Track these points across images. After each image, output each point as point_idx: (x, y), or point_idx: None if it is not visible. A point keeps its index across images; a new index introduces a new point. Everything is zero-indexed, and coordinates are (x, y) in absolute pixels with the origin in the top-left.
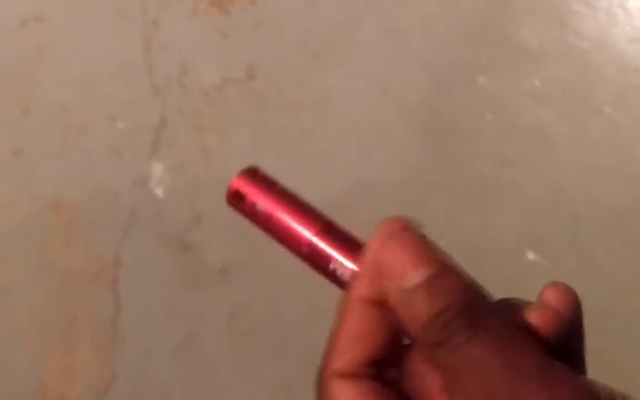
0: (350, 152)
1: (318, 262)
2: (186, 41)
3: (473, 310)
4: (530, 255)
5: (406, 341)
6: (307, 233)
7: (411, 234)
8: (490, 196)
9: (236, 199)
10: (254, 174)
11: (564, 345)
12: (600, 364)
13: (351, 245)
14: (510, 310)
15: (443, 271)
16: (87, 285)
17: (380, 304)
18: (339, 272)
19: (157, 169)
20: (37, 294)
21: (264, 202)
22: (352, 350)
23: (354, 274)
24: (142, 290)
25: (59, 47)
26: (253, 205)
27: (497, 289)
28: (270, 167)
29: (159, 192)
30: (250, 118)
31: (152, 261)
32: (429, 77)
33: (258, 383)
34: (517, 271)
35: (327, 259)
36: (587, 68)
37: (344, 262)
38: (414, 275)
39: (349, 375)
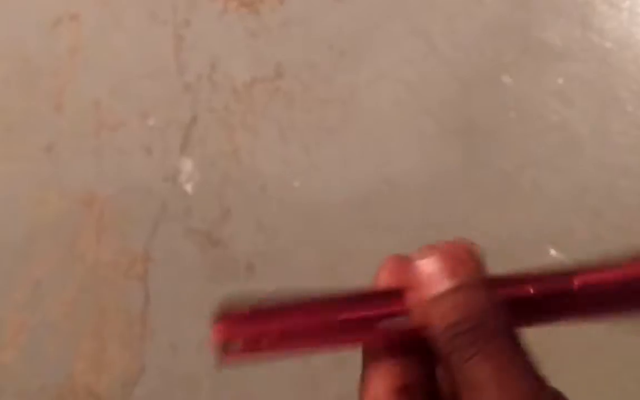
0: (376, 150)
1: (362, 331)
2: (216, 40)
3: (483, 330)
4: (553, 252)
5: None
6: (332, 316)
7: (451, 249)
8: (513, 194)
9: (230, 351)
10: (231, 315)
11: None
12: (621, 360)
13: (382, 296)
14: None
15: (467, 286)
16: (117, 278)
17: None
18: (392, 324)
19: (187, 165)
20: (68, 287)
21: (265, 334)
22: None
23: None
24: (171, 284)
25: (92, 46)
26: (255, 342)
27: None
28: (298, 164)
29: (189, 188)
30: (278, 116)
31: (181, 255)
32: (453, 77)
33: (283, 376)
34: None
35: (370, 321)
36: (610, 67)
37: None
38: (437, 287)
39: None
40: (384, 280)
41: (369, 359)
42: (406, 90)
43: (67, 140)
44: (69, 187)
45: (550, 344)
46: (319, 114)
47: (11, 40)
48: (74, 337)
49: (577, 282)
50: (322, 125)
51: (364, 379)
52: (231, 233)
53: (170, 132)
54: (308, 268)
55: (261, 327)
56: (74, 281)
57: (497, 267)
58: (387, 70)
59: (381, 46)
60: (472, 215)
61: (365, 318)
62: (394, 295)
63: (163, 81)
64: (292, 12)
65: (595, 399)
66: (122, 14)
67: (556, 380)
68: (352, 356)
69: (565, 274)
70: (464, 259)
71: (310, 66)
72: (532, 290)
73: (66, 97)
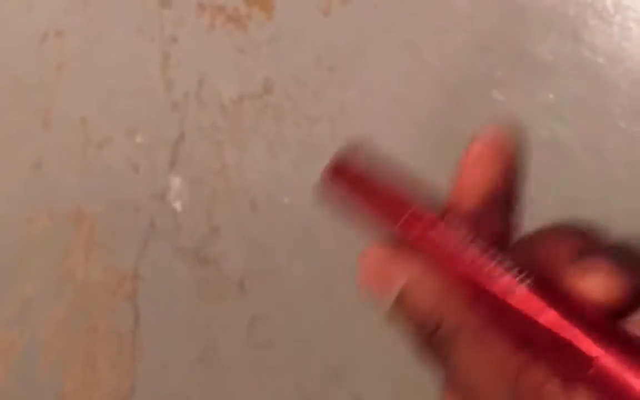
0: None
1: None
2: (203, 57)
3: None
4: None
5: None
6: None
7: None
8: None
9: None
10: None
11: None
12: None
13: None
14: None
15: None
16: (107, 297)
17: None
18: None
19: (175, 183)
20: (57, 306)
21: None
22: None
23: None
24: (161, 303)
25: (78, 62)
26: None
27: None
28: (287, 180)
29: (177, 205)
30: (267, 132)
31: (171, 274)
32: (443, 92)
33: (276, 396)
34: None
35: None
36: (601, 82)
37: None
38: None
39: None
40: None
41: None
42: (395, 105)
43: (55, 158)
44: (57, 205)
45: None
46: (308, 130)
47: None
48: (63, 356)
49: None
50: (311, 141)
51: None
52: (221, 250)
53: (158, 150)
54: (300, 285)
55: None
56: (63, 300)
57: None
58: (376, 86)
59: (370, 61)
60: None
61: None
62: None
63: (150, 98)
64: (280, 27)
65: None
66: (108, 30)
67: None
68: (345, 373)
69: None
70: None
71: (299, 82)
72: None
73: (53, 114)
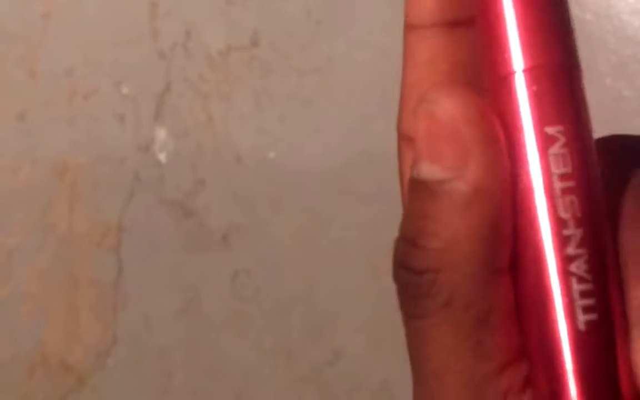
0: (353, 120)
1: None
2: (191, 7)
3: None
4: None
5: None
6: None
7: None
8: None
9: None
10: None
11: None
12: None
13: None
14: None
15: None
16: (90, 249)
17: None
18: None
19: (161, 134)
20: (39, 258)
21: None
22: None
23: None
24: (145, 255)
25: (65, 12)
26: None
27: None
28: (274, 134)
29: (162, 157)
30: (254, 85)
31: (155, 226)
32: None
33: (257, 348)
34: None
35: None
36: (589, 39)
37: None
38: None
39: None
40: None
41: None
42: (383, 59)
43: (40, 108)
44: (41, 156)
45: None
46: (295, 83)
47: None
48: (46, 308)
49: None
50: (298, 94)
51: None
52: (205, 203)
53: (144, 101)
54: (284, 240)
55: None
56: (46, 251)
57: None
58: (365, 39)
59: (359, 14)
60: None
61: None
62: None
63: (137, 49)
64: None
65: None
66: None
67: None
68: (325, 328)
69: None
70: None
71: (287, 34)
72: None
73: (39, 64)
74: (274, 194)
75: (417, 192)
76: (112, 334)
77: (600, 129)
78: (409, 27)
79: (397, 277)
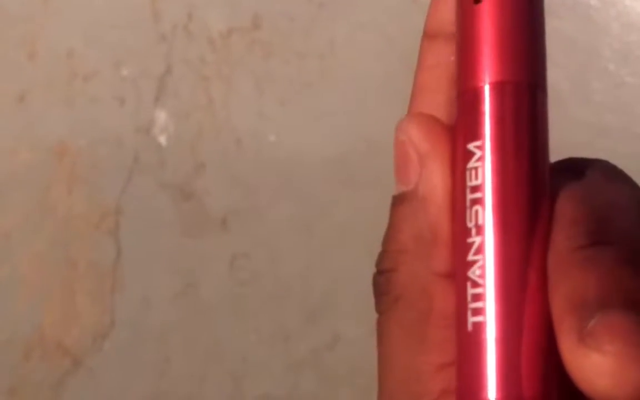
0: (355, 105)
1: None
2: None
3: None
4: None
5: None
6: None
7: None
8: None
9: None
10: None
11: None
12: None
13: None
14: None
15: None
16: (89, 232)
17: None
18: None
19: (161, 117)
20: (37, 240)
21: None
22: None
23: None
24: (143, 238)
25: None
26: None
27: None
28: (274, 118)
29: (162, 140)
30: (255, 68)
31: (154, 209)
32: None
33: (255, 333)
34: None
35: None
36: (592, 25)
37: None
38: None
39: None
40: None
41: None
42: (386, 43)
43: (39, 90)
44: (40, 138)
45: None
46: (296, 67)
47: None
48: (43, 290)
49: None
50: (299, 78)
51: None
52: (205, 187)
53: (144, 83)
54: (283, 224)
55: None
56: (44, 234)
57: None
58: (367, 23)
59: None
60: None
61: None
62: None
63: (138, 30)
64: None
65: None
66: None
67: None
68: (324, 312)
69: None
70: None
71: (289, 17)
72: None
73: (39, 46)
74: (274, 178)
75: (391, 206)
76: (110, 317)
77: (604, 116)
78: (426, 35)
79: (373, 278)
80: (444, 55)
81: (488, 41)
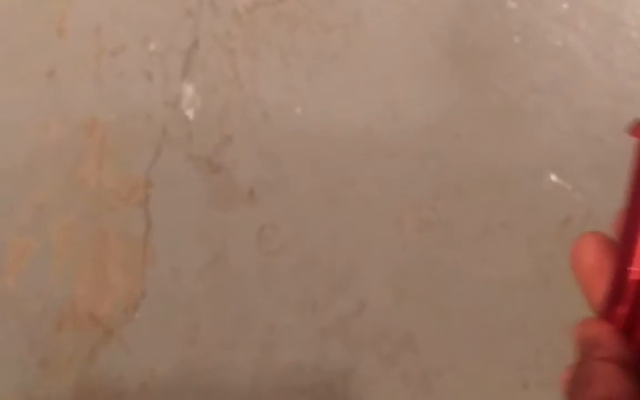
0: (380, 76)
1: None
2: None
3: None
4: (554, 178)
5: None
6: None
7: None
8: (516, 119)
9: None
10: None
11: None
12: None
13: None
14: None
15: None
16: (119, 204)
17: None
18: None
19: (188, 91)
20: (69, 213)
21: None
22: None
23: None
24: (172, 210)
25: None
26: None
27: (519, 210)
28: (300, 90)
29: (190, 113)
30: (280, 41)
31: (182, 181)
32: (458, 0)
33: (283, 302)
34: (539, 193)
35: None
36: None
37: None
38: None
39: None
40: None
41: None
42: (410, 14)
43: (69, 66)
44: (71, 113)
45: None
46: (322, 38)
47: None
48: (75, 262)
49: None
50: (325, 50)
51: None
52: (232, 159)
53: (171, 57)
54: (309, 194)
55: None
56: (75, 207)
57: (497, 190)
58: None
59: None
60: (475, 142)
61: None
62: None
63: (164, 5)
64: None
65: None
66: None
67: None
68: (350, 280)
69: None
70: None
71: None
72: None
73: (68, 22)
74: (300, 149)
75: None
76: (141, 288)
77: (627, 82)
78: None
79: None
80: None
81: None
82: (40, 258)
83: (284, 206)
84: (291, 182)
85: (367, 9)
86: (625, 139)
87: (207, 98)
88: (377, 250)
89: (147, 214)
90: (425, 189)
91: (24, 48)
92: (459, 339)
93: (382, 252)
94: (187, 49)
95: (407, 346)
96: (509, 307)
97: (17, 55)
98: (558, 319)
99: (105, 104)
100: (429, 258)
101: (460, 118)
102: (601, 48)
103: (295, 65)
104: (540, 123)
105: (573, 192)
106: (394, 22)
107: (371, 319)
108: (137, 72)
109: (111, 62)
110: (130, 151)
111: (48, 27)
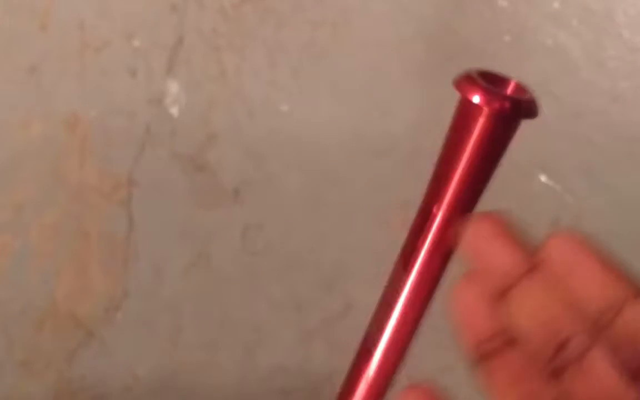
0: (367, 74)
1: None
2: None
3: None
4: (543, 178)
5: None
6: None
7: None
8: None
9: None
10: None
11: None
12: None
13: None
14: None
15: None
16: (101, 203)
17: None
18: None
19: (173, 88)
20: (50, 211)
21: None
22: None
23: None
24: (156, 209)
25: None
26: None
27: (508, 211)
28: (286, 88)
29: (174, 111)
30: (267, 37)
31: (166, 180)
32: None
33: (268, 302)
34: (528, 193)
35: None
36: None
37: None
38: None
39: None
40: None
41: None
42: (399, 11)
43: (51, 61)
44: (53, 110)
45: None
46: (309, 36)
47: None
48: (56, 261)
49: None
50: (312, 48)
51: None
52: (217, 158)
53: (156, 54)
54: (295, 194)
55: None
56: (56, 205)
57: (486, 190)
58: None
59: None
60: None
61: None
62: None
63: (149, 1)
64: None
65: None
66: None
67: None
68: (336, 282)
69: None
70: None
71: None
72: None
73: (51, 17)
74: (286, 148)
75: None
76: (122, 288)
77: (618, 82)
78: None
79: None
80: None
81: None
82: (20, 257)
83: (269, 206)
84: (277, 181)
85: (355, 7)
86: (616, 139)
87: (191, 95)
88: (364, 251)
89: (129, 212)
90: (413, 189)
91: (5, 43)
92: (446, 340)
93: (368, 253)
94: (172, 46)
95: None
96: None
97: None
98: None
99: (88, 100)
100: None
101: (449, 117)
102: (592, 47)
103: (282, 63)
104: (530, 123)
105: (563, 193)
106: (382, 20)
107: (357, 321)
108: (120, 68)
109: (94, 58)
110: (113, 149)
111: (31, 22)
